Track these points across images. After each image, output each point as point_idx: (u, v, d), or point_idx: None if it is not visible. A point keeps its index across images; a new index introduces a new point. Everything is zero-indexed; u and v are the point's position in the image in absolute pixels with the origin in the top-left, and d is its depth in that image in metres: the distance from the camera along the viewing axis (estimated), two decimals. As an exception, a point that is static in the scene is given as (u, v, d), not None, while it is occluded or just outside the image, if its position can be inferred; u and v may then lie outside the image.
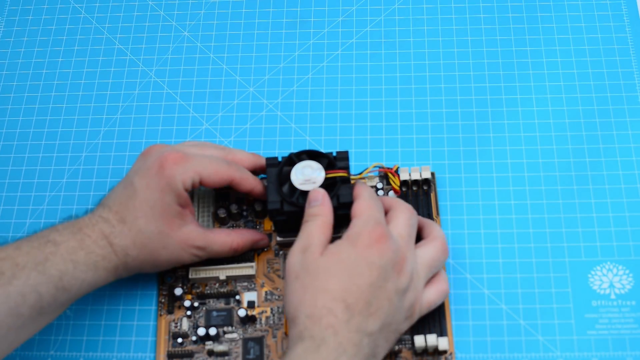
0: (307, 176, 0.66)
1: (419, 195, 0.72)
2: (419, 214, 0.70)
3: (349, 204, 0.65)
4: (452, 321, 0.67)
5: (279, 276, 0.70)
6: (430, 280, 0.64)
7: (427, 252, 0.64)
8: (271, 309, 0.68)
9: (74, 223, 0.63)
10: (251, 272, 0.69)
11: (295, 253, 0.61)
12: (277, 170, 0.67)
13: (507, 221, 0.71)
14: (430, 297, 0.64)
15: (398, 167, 0.71)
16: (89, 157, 0.77)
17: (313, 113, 0.78)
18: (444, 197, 0.73)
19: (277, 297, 0.69)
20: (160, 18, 0.85)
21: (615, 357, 0.66)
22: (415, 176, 0.71)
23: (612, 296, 0.68)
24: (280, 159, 0.68)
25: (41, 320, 0.61)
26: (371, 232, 0.60)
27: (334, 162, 0.66)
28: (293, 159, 0.67)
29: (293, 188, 0.66)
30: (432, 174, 0.73)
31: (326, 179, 0.65)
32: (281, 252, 0.70)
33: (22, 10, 0.87)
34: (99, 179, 0.76)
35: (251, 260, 0.70)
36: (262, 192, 0.69)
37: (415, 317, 0.63)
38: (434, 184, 0.72)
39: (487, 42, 0.81)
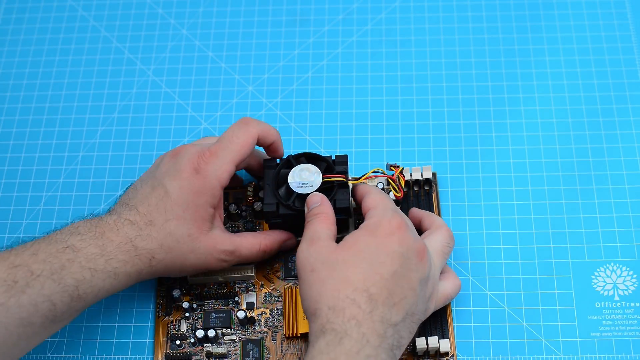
0: (305, 179, 0.65)
1: (420, 195, 0.71)
2: (420, 214, 0.70)
3: (345, 209, 0.64)
4: (454, 323, 0.67)
5: (278, 277, 0.69)
6: (442, 275, 0.64)
7: (437, 239, 0.64)
8: (270, 310, 0.68)
9: (96, 224, 0.62)
10: (250, 273, 0.68)
11: (303, 248, 0.60)
12: (275, 172, 0.66)
13: (509, 222, 0.71)
14: (447, 289, 0.63)
15: (402, 169, 0.70)
16: (86, 156, 0.77)
17: (313, 112, 0.78)
18: (446, 197, 0.72)
19: (276, 299, 0.68)
20: (158, 16, 0.84)
21: (619, 360, 0.65)
22: (417, 176, 0.70)
23: (616, 297, 0.67)
24: (278, 161, 0.67)
25: (54, 327, 0.60)
26: (391, 220, 0.60)
27: (332, 166, 0.66)
28: (291, 161, 0.66)
29: (290, 191, 0.65)
30: (434, 174, 0.72)
31: (323, 183, 0.65)
32: (281, 254, 0.70)
33: (19, 8, 0.86)
34: (96, 179, 0.76)
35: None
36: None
37: (432, 308, 0.62)
38: (436, 184, 0.72)
39: (489, 40, 0.80)
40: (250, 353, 0.66)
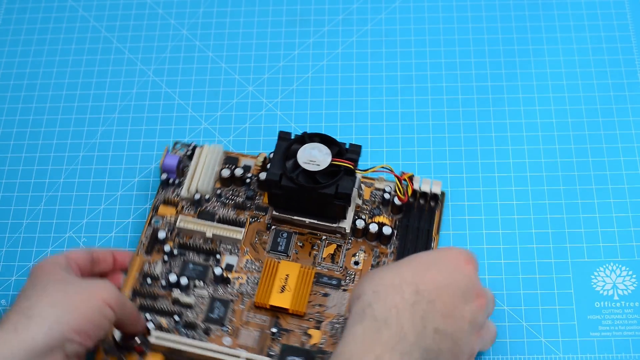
0: (314, 158, 0.65)
1: (424, 209, 0.69)
2: (419, 227, 0.69)
3: (346, 196, 0.64)
4: (453, 322, 0.67)
5: (264, 248, 0.69)
6: None
7: (491, 325, 0.62)
8: (247, 277, 0.67)
9: None
10: (238, 237, 0.68)
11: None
12: (287, 144, 0.66)
13: (509, 221, 0.71)
14: None
15: (412, 175, 0.69)
16: (87, 156, 0.77)
17: (313, 112, 0.78)
18: (445, 197, 0.72)
19: (256, 268, 0.68)
20: (158, 16, 0.84)
21: (618, 359, 0.65)
22: (425, 188, 0.69)
23: (615, 297, 0.67)
24: (293, 136, 0.67)
25: None
26: (461, 252, 0.59)
27: (344, 151, 0.66)
28: (305, 139, 0.66)
29: (296, 165, 0.65)
30: (443, 192, 0.70)
31: (331, 165, 0.65)
32: (273, 227, 0.69)
33: (19, 8, 0.86)
34: (96, 179, 0.76)
35: (242, 226, 0.69)
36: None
37: None
38: (442, 202, 0.70)
39: (489, 40, 0.80)
40: (216, 311, 0.65)
